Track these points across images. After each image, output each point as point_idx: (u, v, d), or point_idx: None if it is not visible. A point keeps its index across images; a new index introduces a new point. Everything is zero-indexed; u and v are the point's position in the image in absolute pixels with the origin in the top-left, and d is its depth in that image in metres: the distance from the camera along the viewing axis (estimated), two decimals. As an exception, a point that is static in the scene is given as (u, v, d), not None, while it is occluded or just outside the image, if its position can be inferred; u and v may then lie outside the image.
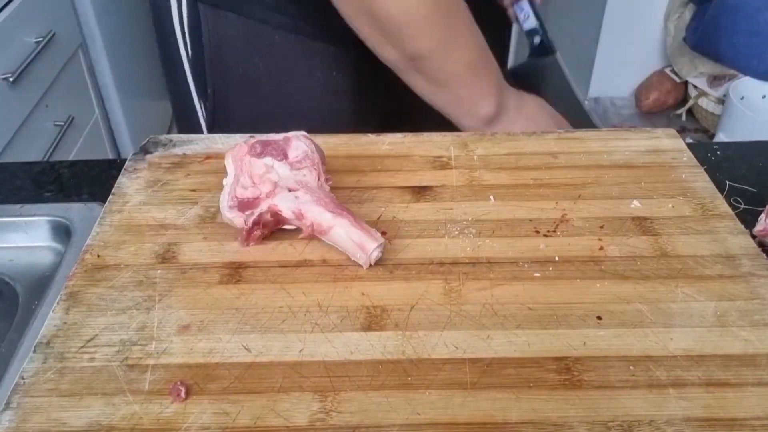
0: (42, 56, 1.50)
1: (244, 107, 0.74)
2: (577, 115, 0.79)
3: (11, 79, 1.37)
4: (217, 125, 0.77)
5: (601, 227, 0.53)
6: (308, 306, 0.47)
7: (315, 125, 0.61)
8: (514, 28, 0.90)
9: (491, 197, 0.57)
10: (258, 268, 0.50)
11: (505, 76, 0.69)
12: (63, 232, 0.59)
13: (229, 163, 0.53)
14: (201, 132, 0.78)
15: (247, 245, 0.51)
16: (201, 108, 0.76)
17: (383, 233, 0.52)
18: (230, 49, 0.71)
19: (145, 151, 0.62)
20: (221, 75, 0.73)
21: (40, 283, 0.55)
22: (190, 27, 0.72)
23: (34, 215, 0.59)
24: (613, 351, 0.44)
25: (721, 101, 1.69)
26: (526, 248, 0.51)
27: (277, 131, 0.55)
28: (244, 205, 0.51)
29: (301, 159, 0.53)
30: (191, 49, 0.73)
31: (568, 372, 0.42)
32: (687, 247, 0.51)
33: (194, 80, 0.76)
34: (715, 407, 0.40)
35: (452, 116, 0.68)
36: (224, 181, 0.53)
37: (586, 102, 1.96)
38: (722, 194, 0.57)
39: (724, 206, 0.55)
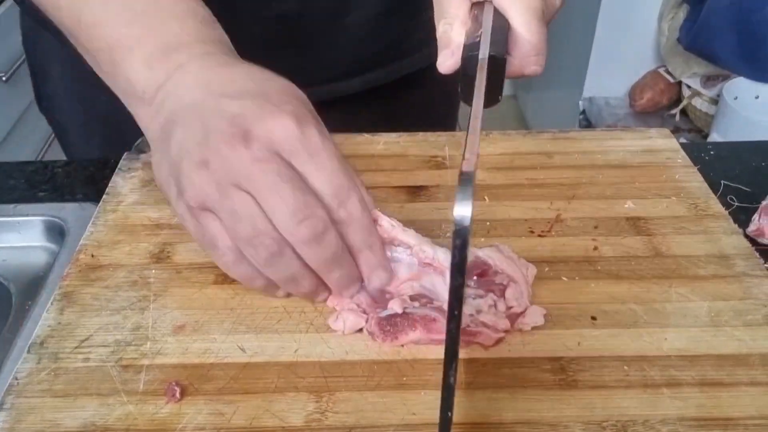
0: (35, 55, 1.49)
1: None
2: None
3: (4, 78, 1.36)
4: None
5: (596, 227, 0.54)
6: (303, 306, 0.47)
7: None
8: None
9: (486, 197, 0.57)
10: (253, 268, 0.50)
11: None
12: (57, 232, 0.58)
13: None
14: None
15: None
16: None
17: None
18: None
19: (139, 150, 0.62)
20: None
21: (34, 283, 0.55)
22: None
23: (27, 215, 0.59)
24: (607, 351, 0.44)
25: (715, 101, 1.69)
26: (520, 248, 0.51)
27: None
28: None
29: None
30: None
31: (563, 372, 0.42)
32: (681, 247, 0.52)
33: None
34: (709, 407, 0.40)
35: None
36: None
37: (580, 101, 1.96)
38: (716, 194, 0.57)
39: (717, 206, 0.56)
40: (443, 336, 0.43)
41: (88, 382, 0.42)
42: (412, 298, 0.45)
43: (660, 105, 1.87)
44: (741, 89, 1.62)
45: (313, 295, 0.45)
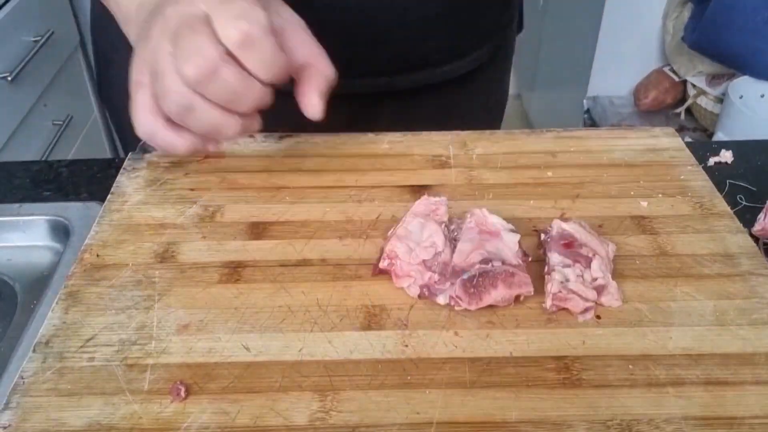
0: (40, 55, 1.50)
1: None
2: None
3: (9, 78, 1.37)
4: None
5: (600, 226, 0.53)
6: (308, 305, 0.47)
7: None
8: None
9: (490, 196, 0.57)
10: (257, 267, 0.50)
11: None
12: (62, 232, 0.59)
13: None
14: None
15: None
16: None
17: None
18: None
19: (143, 150, 0.62)
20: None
21: (39, 283, 0.55)
22: None
23: (32, 214, 0.59)
24: (612, 350, 0.44)
25: (720, 100, 1.69)
26: (524, 247, 0.51)
27: None
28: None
29: None
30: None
31: (568, 371, 0.42)
32: (686, 246, 0.51)
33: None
34: (713, 406, 0.40)
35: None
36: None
37: (585, 100, 1.96)
38: (721, 193, 0.57)
39: (722, 205, 0.55)
40: (523, 289, 0.46)
41: (93, 382, 0.42)
42: (483, 261, 0.47)
43: (665, 104, 1.87)
44: (746, 88, 1.62)
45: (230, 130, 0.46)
